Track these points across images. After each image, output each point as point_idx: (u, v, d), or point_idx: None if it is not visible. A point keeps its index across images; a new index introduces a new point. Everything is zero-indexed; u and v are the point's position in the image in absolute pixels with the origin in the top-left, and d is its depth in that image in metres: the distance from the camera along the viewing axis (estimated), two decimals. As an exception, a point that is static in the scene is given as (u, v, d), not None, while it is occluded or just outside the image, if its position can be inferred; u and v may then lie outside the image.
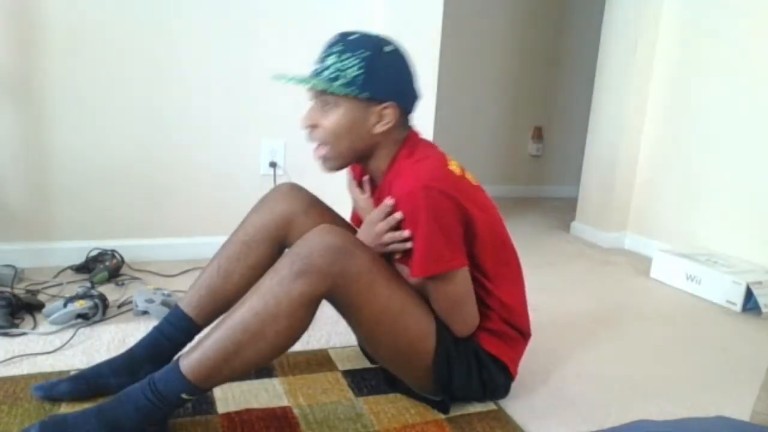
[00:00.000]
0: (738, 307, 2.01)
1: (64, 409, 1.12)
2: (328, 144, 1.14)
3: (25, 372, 1.26)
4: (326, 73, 1.10)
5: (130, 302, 1.63)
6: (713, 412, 1.30)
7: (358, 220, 1.35)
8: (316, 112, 1.14)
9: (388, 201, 1.11)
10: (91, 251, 1.92)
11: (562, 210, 3.60)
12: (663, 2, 2.64)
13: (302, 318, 1.02)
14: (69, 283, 1.78)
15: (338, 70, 1.09)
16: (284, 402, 1.21)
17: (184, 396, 0.99)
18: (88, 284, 1.75)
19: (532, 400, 1.30)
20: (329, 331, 1.58)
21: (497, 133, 4.01)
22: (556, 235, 3.00)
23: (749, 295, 2.00)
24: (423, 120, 2.28)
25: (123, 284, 1.82)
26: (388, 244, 1.13)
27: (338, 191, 2.31)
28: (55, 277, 1.84)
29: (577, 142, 3.47)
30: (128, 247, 2.00)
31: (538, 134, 4.11)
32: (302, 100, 2.22)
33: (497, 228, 1.22)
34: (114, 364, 1.18)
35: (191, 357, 0.99)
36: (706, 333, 1.82)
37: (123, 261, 1.92)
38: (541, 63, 4.02)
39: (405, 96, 1.15)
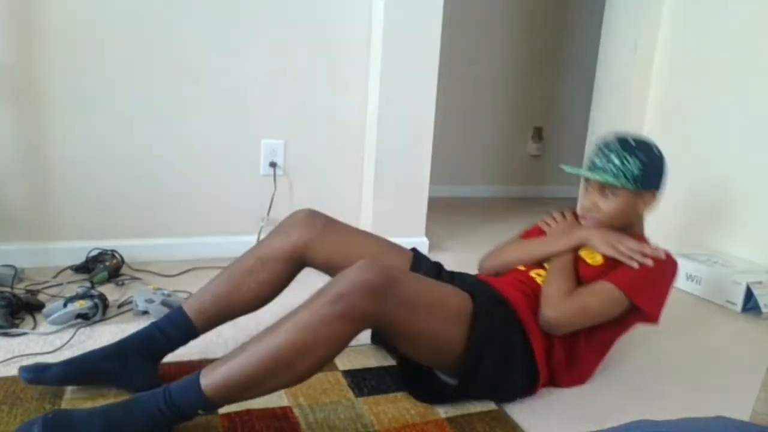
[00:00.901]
0: (738, 307, 2.01)
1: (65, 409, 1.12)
2: (601, 220, 1.40)
3: (25, 372, 1.26)
4: (612, 169, 1.35)
5: (130, 302, 1.63)
6: (713, 412, 1.30)
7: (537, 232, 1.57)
8: (596, 197, 1.39)
9: (655, 248, 1.38)
10: (91, 251, 1.92)
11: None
12: (663, 2, 2.63)
13: (336, 351, 1.03)
14: (69, 283, 1.79)
15: (622, 169, 1.35)
16: (284, 402, 1.21)
17: (199, 412, 1.00)
18: (88, 284, 1.75)
19: (532, 400, 1.30)
20: (329, 331, 1.58)
21: (497, 133, 4.01)
22: (556, 235, 2.99)
23: (749, 295, 2.00)
24: (423, 120, 2.29)
25: (123, 284, 1.82)
26: (622, 252, 1.33)
27: (339, 190, 2.32)
28: (55, 277, 1.84)
29: (577, 142, 3.47)
30: (128, 247, 2.00)
31: (538, 134, 4.11)
32: (302, 101, 2.22)
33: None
34: (105, 349, 1.19)
35: (215, 377, 0.98)
36: (706, 333, 1.81)
37: (123, 261, 1.92)
38: (541, 63, 4.02)
39: (663, 185, 1.43)
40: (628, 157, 1.35)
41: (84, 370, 1.15)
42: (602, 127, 2.84)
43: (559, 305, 1.26)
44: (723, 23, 2.38)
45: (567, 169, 1.45)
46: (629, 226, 1.42)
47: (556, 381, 1.35)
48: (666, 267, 1.36)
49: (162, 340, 1.21)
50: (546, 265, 1.41)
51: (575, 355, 1.34)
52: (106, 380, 1.17)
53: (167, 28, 1.98)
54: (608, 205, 1.38)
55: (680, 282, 2.22)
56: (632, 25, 2.66)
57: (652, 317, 1.35)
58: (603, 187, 1.37)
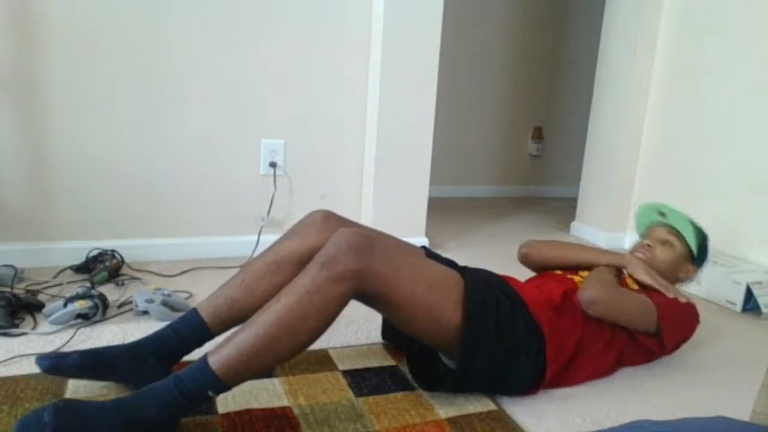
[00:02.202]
0: (738, 307, 2.01)
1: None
2: (650, 260, 1.53)
3: (25, 372, 1.26)
4: (685, 226, 1.54)
5: (130, 302, 1.63)
6: (713, 412, 1.30)
7: None
8: (659, 241, 1.56)
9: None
10: (91, 251, 1.92)
11: (562, 210, 3.60)
12: (663, 2, 2.64)
13: (332, 314, 1.09)
14: (69, 283, 1.79)
15: (693, 232, 1.54)
16: (284, 402, 1.21)
17: (210, 393, 1.01)
18: (88, 284, 1.75)
19: (532, 400, 1.30)
20: (329, 331, 1.57)
21: (497, 133, 4.01)
22: (556, 235, 3.00)
23: (749, 295, 2.00)
24: (423, 120, 2.29)
25: (123, 284, 1.82)
26: (659, 282, 1.47)
27: (339, 190, 2.32)
28: (55, 277, 1.84)
29: (577, 142, 3.47)
30: (128, 247, 2.00)
31: (538, 134, 4.11)
32: (302, 101, 2.22)
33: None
34: (122, 347, 1.19)
35: (221, 354, 1.01)
36: (706, 333, 1.81)
37: (123, 261, 1.92)
38: (541, 63, 4.02)
39: (702, 267, 1.61)
40: (697, 228, 1.56)
41: (101, 363, 1.15)
42: (602, 127, 2.85)
43: (601, 287, 1.35)
44: (722, 23, 2.39)
45: (643, 208, 1.66)
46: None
47: (560, 381, 1.36)
48: (694, 315, 1.50)
49: (177, 342, 1.21)
50: (582, 273, 1.51)
51: (582, 359, 1.36)
52: (120, 377, 1.17)
53: (167, 28, 1.98)
54: (664, 254, 1.54)
55: (680, 282, 2.22)
56: (632, 26, 2.66)
57: (664, 346, 1.45)
58: (666, 239, 1.55)
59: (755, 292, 1.98)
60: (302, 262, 1.27)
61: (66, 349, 1.37)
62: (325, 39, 2.19)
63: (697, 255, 1.57)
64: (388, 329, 1.50)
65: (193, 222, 2.13)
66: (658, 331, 1.41)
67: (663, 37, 2.66)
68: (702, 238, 1.58)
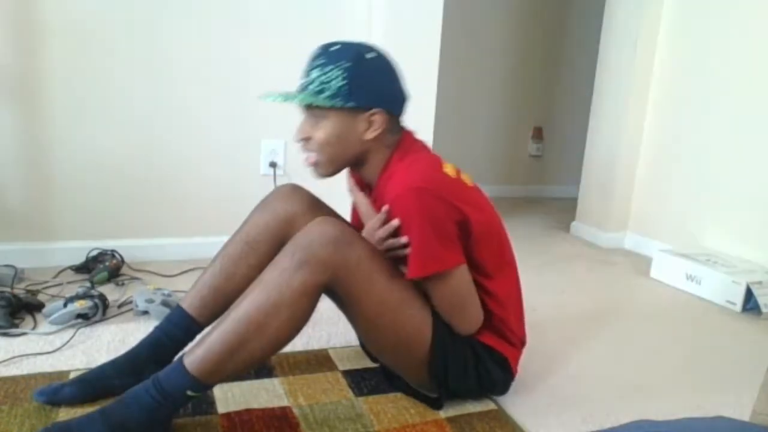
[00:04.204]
0: (738, 307, 2.01)
1: (63, 411, 1.12)
2: (320, 154, 1.16)
3: (25, 372, 1.26)
4: (311, 86, 1.11)
5: (130, 302, 1.63)
6: (713, 412, 1.30)
7: (357, 219, 1.34)
8: (308, 125, 1.15)
9: (385, 208, 1.13)
10: (91, 251, 1.92)
11: (562, 210, 3.60)
12: (663, 2, 2.64)
13: (304, 308, 1.03)
14: (69, 283, 1.79)
15: (322, 82, 1.10)
16: (284, 402, 1.21)
17: (189, 393, 1.00)
18: (88, 284, 1.75)
19: (532, 400, 1.30)
20: (329, 331, 1.58)
21: (497, 133, 4.00)
22: (556, 235, 3.00)
23: (749, 295, 2.00)
24: (423, 120, 2.29)
25: (123, 284, 1.82)
26: (389, 250, 1.15)
27: (338, 191, 2.32)
28: (55, 277, 1.84)
29: (577, 142, 3.47)
30: (128, 247, 2.00)
31: (538, 134, 4.11)
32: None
33: (495, 227, 1.21)
34: (117, 364, 1.18)
35: (195, 354, 1.00)
36: (706, 333, 1.82)
37: (123, 261, 1.92)
38: (541, 63, 4.02)
39: (391, 100, 1.16)
40: (330, 69, 1.09)
41: (98, 389, 1.15)
42: (602, 127, 2.85)
43: (456, 325, 1.16)
44: (722, 23, 2.38)
45: (262, 98, 1.14)
46: (363, 159, 1.18)
47: (515, 333, 1.26)
48: (416, 215, 1.07)
49: (169, 343, 1.20)
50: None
51: (501, 308, 1.22)
52: (123, 392, 1.16)
53: (167, 28, 1.98)
54: (319, 132, 1.12)
55: (680, 282, 2.22)
56: (632, 25, 2.66)
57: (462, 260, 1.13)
58: (312, 114, 1.13)
59: (755, 292, 1.98)
60: (274, 236, 1.24)
61: (66, 349, 1.37)
62: (325, 39, 2.18)
63: (357, 95, 1.09)
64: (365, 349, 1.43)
65: (193, 222, 2.13)
66: (472, 253, 1.14)
67: (663, 37, 2.65)
68: (347, 72, 1.08)
